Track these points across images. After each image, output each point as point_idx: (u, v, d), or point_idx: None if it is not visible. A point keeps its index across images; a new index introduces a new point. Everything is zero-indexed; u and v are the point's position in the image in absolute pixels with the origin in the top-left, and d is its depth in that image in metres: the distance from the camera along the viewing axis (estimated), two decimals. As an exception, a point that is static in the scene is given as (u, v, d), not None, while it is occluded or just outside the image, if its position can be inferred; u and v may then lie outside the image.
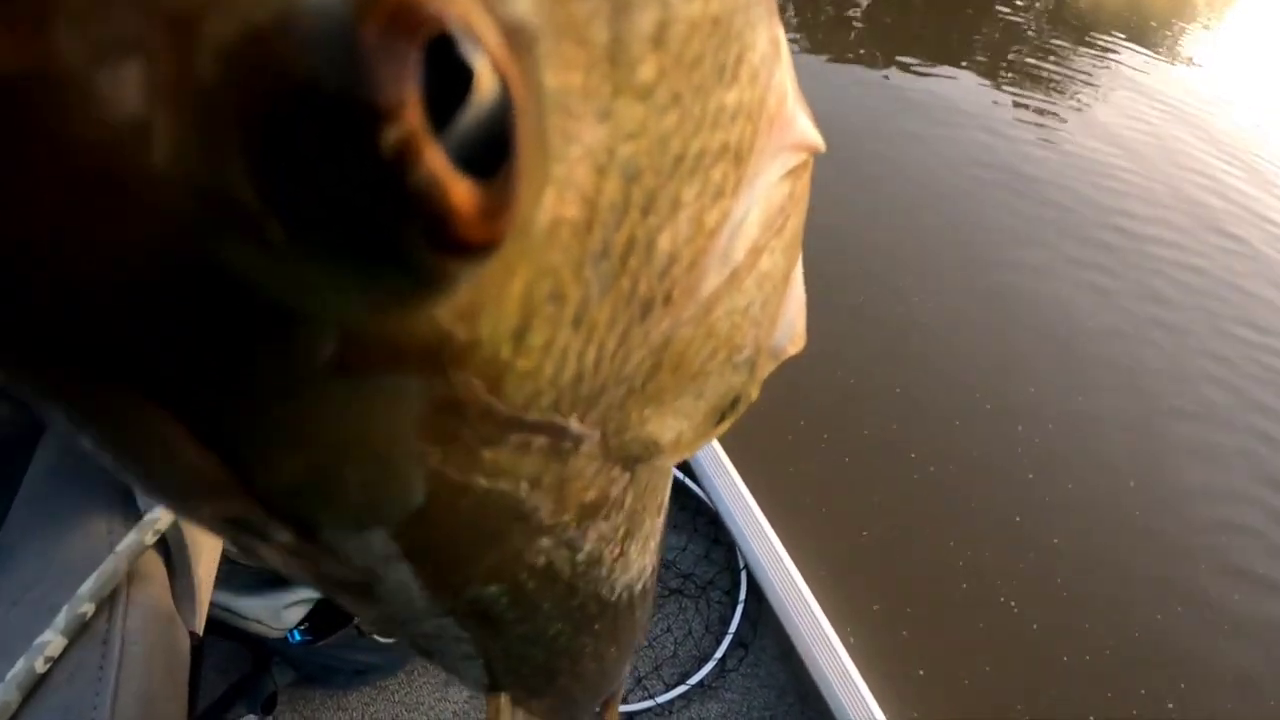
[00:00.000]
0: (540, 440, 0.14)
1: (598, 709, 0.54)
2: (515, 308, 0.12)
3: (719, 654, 1.22)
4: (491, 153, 0.08)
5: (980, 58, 3.85)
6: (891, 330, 2.06)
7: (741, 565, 1.27)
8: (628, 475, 0.19)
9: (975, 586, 1.52)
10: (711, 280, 0.16)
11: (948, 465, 1.72)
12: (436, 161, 0.08)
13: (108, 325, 0.09)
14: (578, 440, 0.15)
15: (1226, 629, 1.55)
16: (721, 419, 0.20)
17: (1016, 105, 3.38)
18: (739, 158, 0.15)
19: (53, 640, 0.48)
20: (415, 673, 1.16)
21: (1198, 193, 2.98)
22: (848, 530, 1.56)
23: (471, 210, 0.08)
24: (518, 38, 0.09)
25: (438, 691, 1.15)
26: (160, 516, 0.51)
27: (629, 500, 0.20)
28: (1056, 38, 4.25)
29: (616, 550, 0.22)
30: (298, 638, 0.92)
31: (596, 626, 0.26)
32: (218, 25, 0.07)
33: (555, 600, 0.22)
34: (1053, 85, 3.67)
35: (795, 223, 0.19)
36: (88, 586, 0.50)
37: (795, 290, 0.21)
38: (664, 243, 0.14)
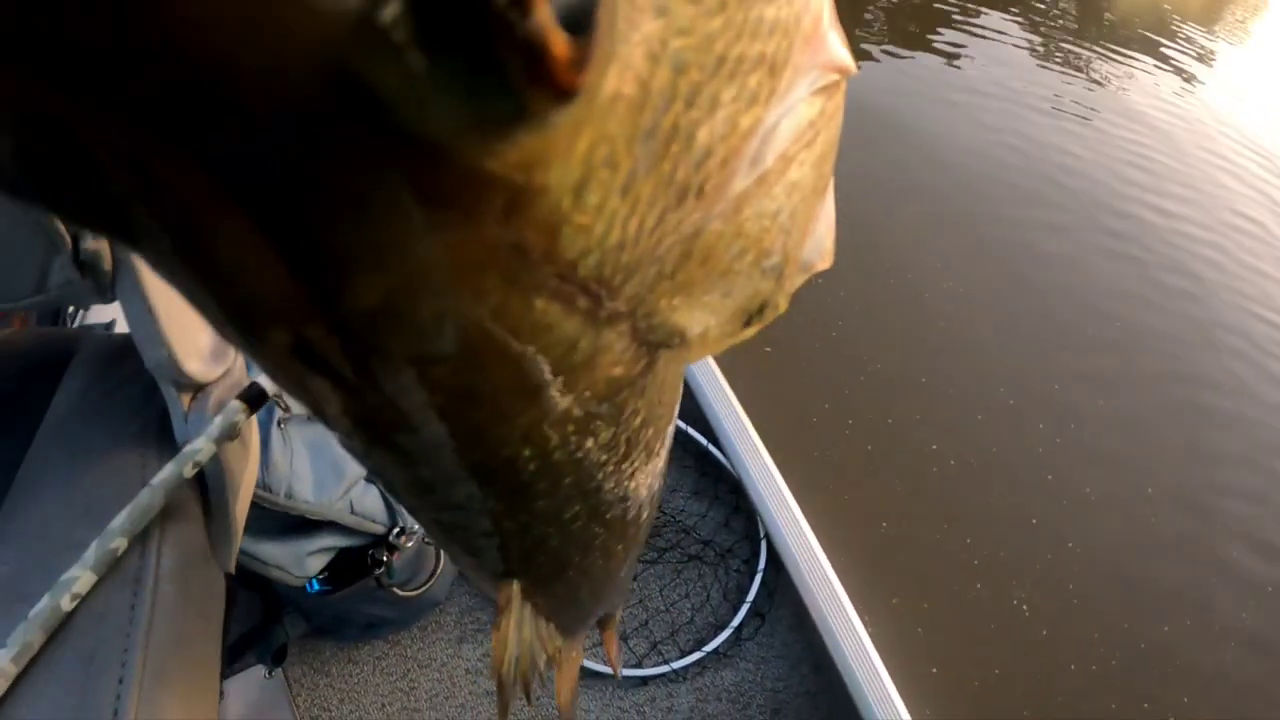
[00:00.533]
0: (584, 302, 0.16)
1: (596, 624, 0.55)
2: (579, 164, 0.13)
3: (735, 622, 1.20)
4: (582, 17, 0.10)
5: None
6: (918, 317, 2.04)
7: (762, 534, 1.25)
8: (649, 362, 0.20)
9: (989, 587, 1.51)
10: (741, 180, 0.17)
11: (968, 460, 1.70)
12: (544, 13, 0.09)
13: (240, 114, 0.10)
14: (613, 312, 0.17)
15: (1233, 644, 1.55)
16: (749, 323, 0.21)
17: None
18: (774, 69, 0.16)
19: (81, 576, 0.45)
20: (428, 628, 1.14)
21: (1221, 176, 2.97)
22: (866, 520, 1.55)
23: (564, 56, 0.10)
24: None
25: (450, 648, 1.13)
26: (200, 447, 0.48)
27: (649, 390, 0.21)
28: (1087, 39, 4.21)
29: (633, 438, 0.23)
30: (316, 587, 0.89)
31: (608, 515, 0.28)
32: None
33: (576, 477, 0.23)
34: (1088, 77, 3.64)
35: (825, 139, 0.20)
36: (120, 521, 0.46)
37: (826, 210, 0.22)
38: (702, 136, 0.15)
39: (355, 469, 0.85)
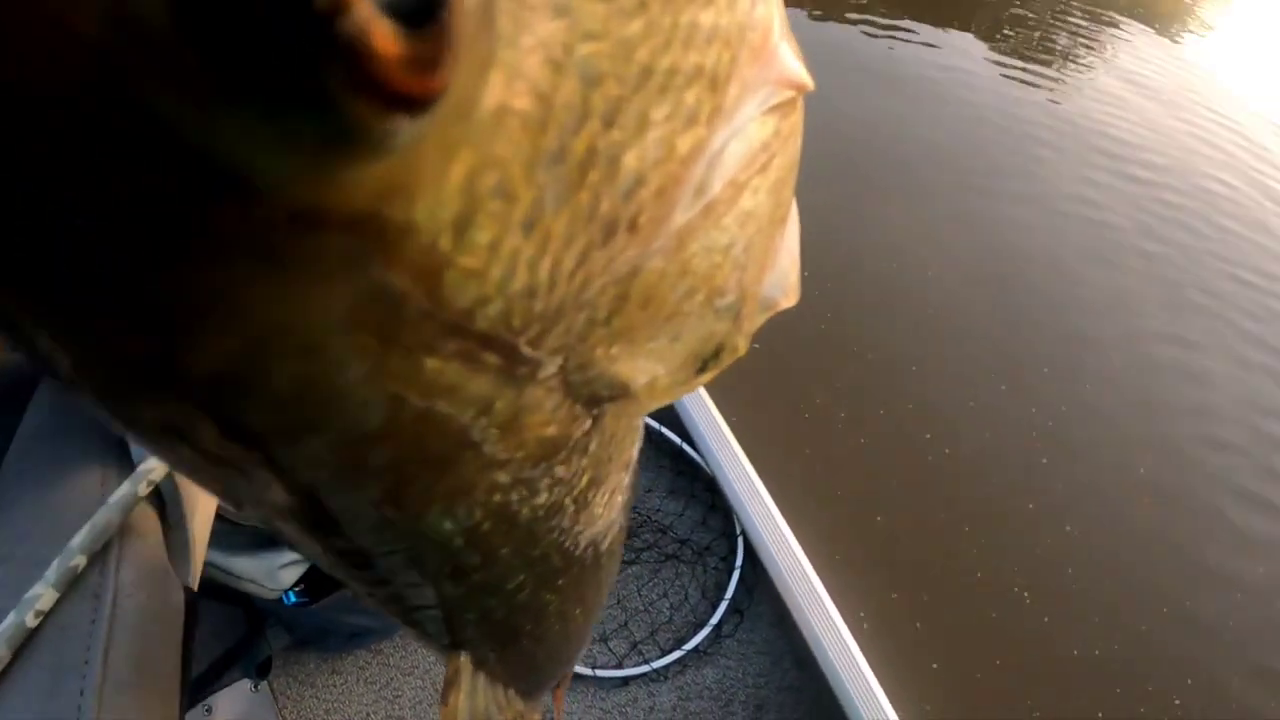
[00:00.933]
0: (491, 358, 0.14)
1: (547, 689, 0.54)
2: (456, 194, 0.11)
3: (715, 620, 1.22)
4: (425, 11, 0.08)
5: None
6: (909, 306, 2.05)
7: (738, 531, 1.27)
8: (592, 418, 0.18)
9: (989, 575, 1.52)
10: (683, 211, 0.16)
11: (961, 447, 1.72)
12: (362, 3, 0.07)
13: (11, 175, 0.09)
14: (534, 366, 0.15)
15: (1231, 624, 1.55)
16: (704, 369, 0.19)
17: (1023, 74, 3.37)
18: (714, 84, 0.15)
19: (44, 594, 0.47)
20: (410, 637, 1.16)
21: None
22: (860, 515, 1.56)
23: (397, 56, 0.08)
24: None
25: (433, 656, 1.15)
26: (154, 467, 0.50)
27: (594, 446, 0.19)
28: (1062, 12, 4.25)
29: (580, 499, 0.21)
30: (293, 599, 0.90)
31: (560, 582, 0.25)
32: None
33: (514, 546, 0.21)
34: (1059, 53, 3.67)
35: (782, 162, 0.18)
36: (79, 539, 0.48)
37: (789, 240, 0.20)
38: (630, 161, 0.13)
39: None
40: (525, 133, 0.12)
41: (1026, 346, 2.04)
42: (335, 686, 1.11)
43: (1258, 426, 1.98)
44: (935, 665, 1.39)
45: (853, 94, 2.83)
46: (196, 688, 1.02)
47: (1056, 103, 3.25)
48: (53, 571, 0.47)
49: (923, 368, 1.88)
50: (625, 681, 1.16)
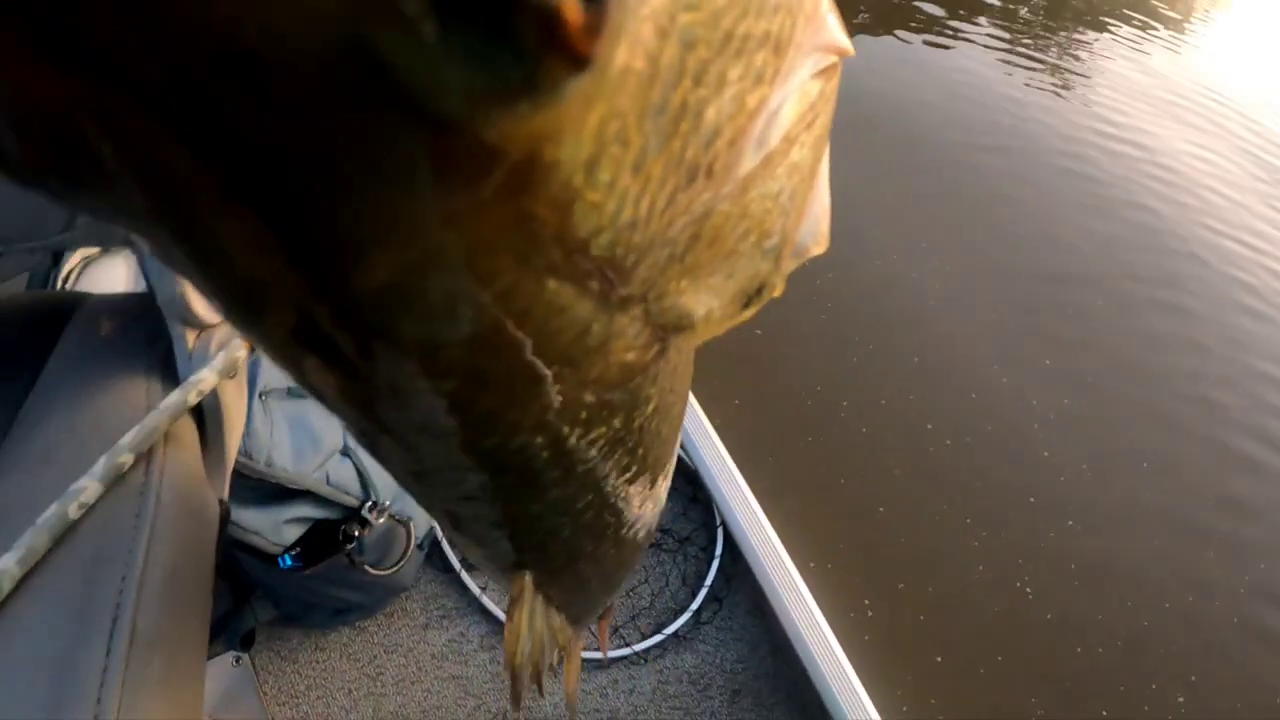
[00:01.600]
0: (595, 284, 0.16)
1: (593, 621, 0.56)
2: (591, 139, 0.13)
3: (694, 606, 1.25)
4: None
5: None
6: (907, 295, 2.06)
7: (718, 522, 1.31)
8: (659, 348, 0.20)
9: (990, 570, 1.52)
10: (748, 161, 0.17)
11: (963, 438, 1.72)
12: None
13: (248, 86, 0.10)
14: (625, 295, 0.17)
15: (1235, 619, 1.56)
16: (748, 304, 0.21)
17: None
18: (778, 48, 0.16)
19: (89, 486, 0.49)
20: (395, 614, 1.17)
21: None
22: (860, 510, 1.57)
23: (577, 22, 0.10)
24: None
25: (416, 634, 1.16)
26: (204, 377, 0.53)
27: (661, 376, 0.22)
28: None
29: (646, 425, 0.23)
30: (289, 563, 0.92)
31: (621, 505, 0.28)
32: None
33: (589, 465, 0.23)
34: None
35: (824, 121, 0.20)
36: (129, 438, 0.51)
37: (821, 193, 0.22)
38: (710, 114, 0.15)
39: (332, 442, 0.89)
40: (640, 88, 0.13)
41: (1027, 337, 2.05)
42: (318, 663, 1.12)
43: (1264, 425, 2.00)
44: (939, 659, 1.40)
45: (852, 74, 2.94)
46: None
47: (1061, 94, 3.35)
48: (100, 466, 0.50)
49: (924, 360, 1.88)
50: (606, 663, 1.18)
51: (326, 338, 0.15)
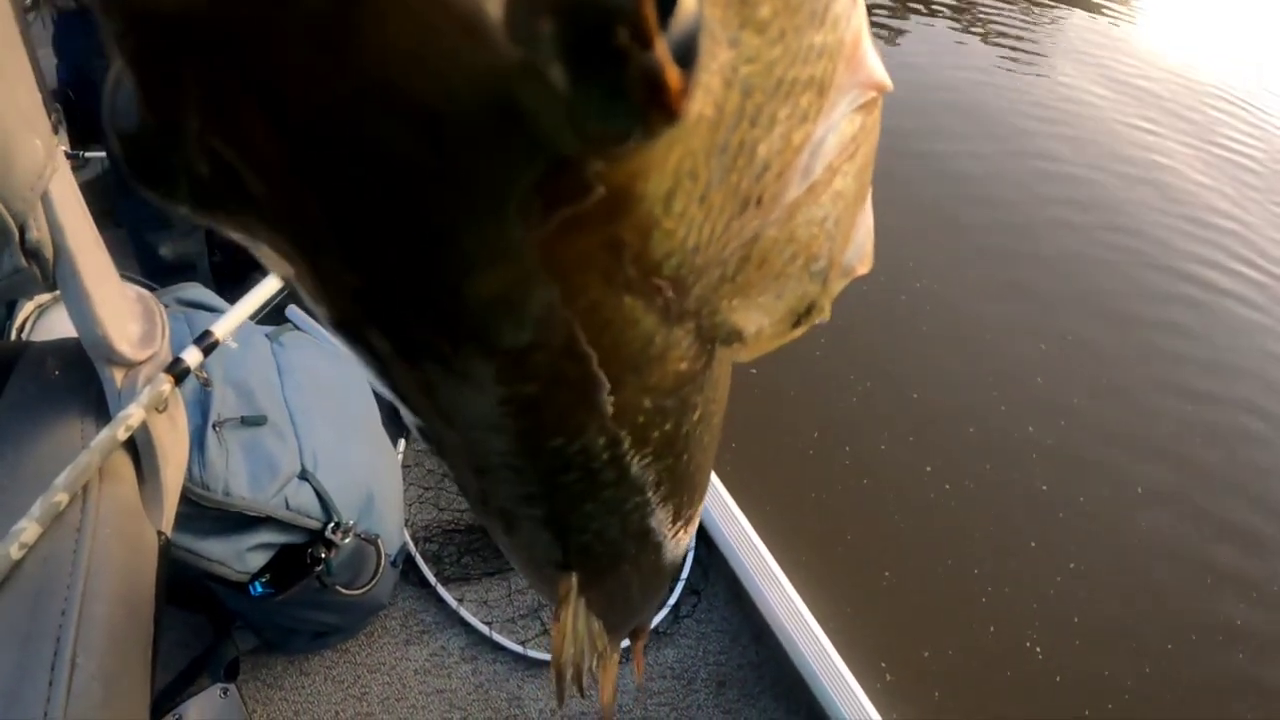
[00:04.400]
0: (661, 300, 0.18)
1: (629, 634, 0.58)
2: (670, 175, 0.15)
3: (672, 601, 1.27)
4: (683, 50, 0.12)
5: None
6: (905, 318, 2.07)
7: (691, 516, 1.33)
8: (708, 360, 0.22)
9: (1002, 629, 1.52)
10: (794, 190, 0.19)
11: (964, 482, 1.72)
12: (662, 50, 0.12)
13: (414, 129, 0.12)
14: (683, 310, 0.19)
15: (1241, 658, 1.55)
16: (798, 324, 0.23)
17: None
18: (822, 89, 0.18)
19: (27, 527, 0.51)
20: (375, 634, 1.18)
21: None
22: (865, 567, 1.55)
23: (676, 85, 0.12)
24: None
25: (398, 650, 1.18)
26: (131, 413, 0.55)
27: (706, 386, 0.24)
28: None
29: (692, 431, 0.25)
30: (260, 590, 0.93)
31: (664, 508, 0.30)
32: None
33: (641, 467, 0.25)
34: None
35: (865, 151, 0.22)
36: (62, 478, 0.52)
37: (865, 217, 0.24)
38: (762, 150, 0.17)
39: (290, 467, 0.91)
40: (708, 131, 0.15)
41: (1020, 358, 2.05)
42: (304, 688, 1.13)
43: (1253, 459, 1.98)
44: (937, 694, 1.40)
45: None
46: (165, 697, 1.03)
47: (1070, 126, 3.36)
48: (37, 507, 0.51)
49: (924, 392, 1.88)
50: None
51: (426, 342, 0.17)
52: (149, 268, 1.37)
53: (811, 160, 0.19)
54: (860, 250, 0.24)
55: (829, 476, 1.67)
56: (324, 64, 0.11)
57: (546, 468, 0.23)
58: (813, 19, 0.17)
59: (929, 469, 1.74)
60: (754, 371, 1.77)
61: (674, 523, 0.32)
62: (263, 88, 0.12)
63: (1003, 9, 4.42)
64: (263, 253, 0.16)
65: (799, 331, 0.23)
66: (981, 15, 4.29)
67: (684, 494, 0.30)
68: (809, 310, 0.23)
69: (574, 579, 0.32)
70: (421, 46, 0.11)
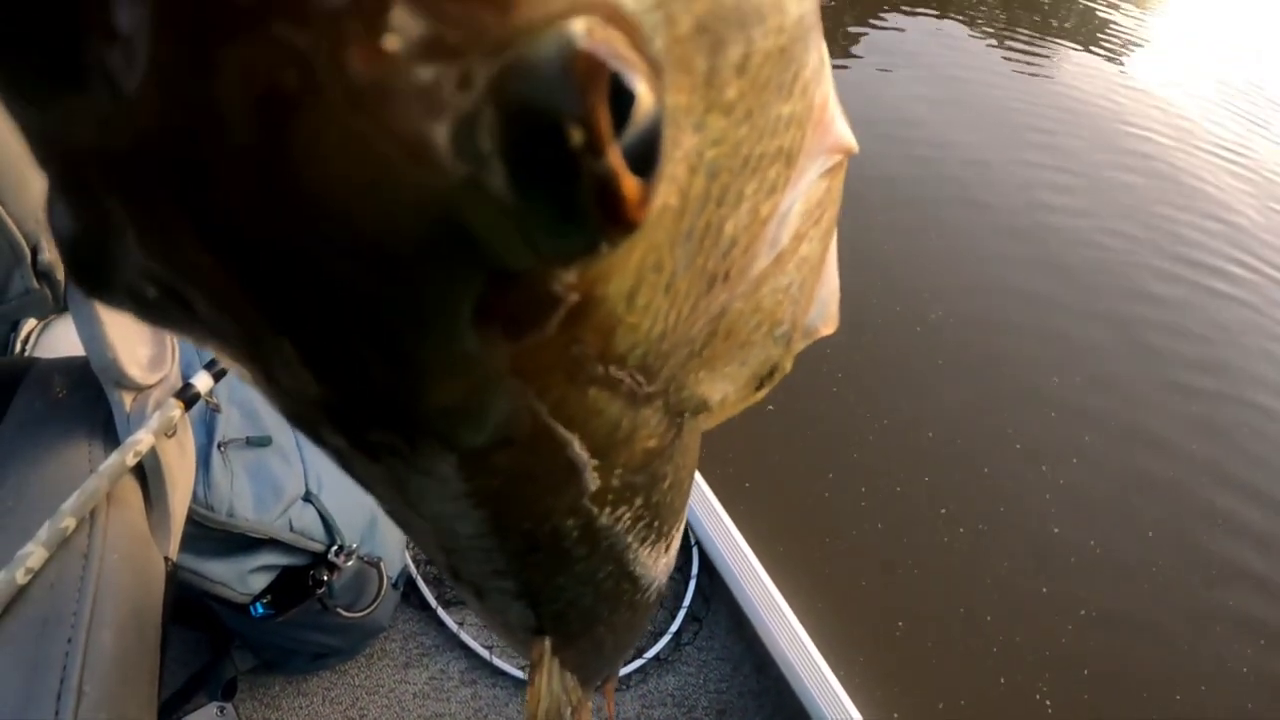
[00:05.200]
0: (626, 387, 0.18)
1: (599, 683, 0.58)
2: (631, 274, 0.15)
3: (673, 628, 1.26)
4: (644, 155, 0.11)
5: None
6: (916, 351, 2.05)
7: (693, 541, 1.32)
8: (675, 431, 0.22)
9: (1013, 679, 1.50)
10: (761, 261, 0.19)
11: (978, 525, 1.70)
12: (616, 158, 0.11)
13: (356, 250, 0.11)
14: (650, 392, 0.19)
15: (1251, 708, 1.53)
16: (760, 386, 0.23)
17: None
18: (790, 159, 0.18)
19: (34, 552, 0.51)
20: (374, 656, 1.18)
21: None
22: (885, 620, 1.53)
23: (635, 198, 0.11)
24: (655, 69, 0.12)
25: (397, 674, 1.17)
26: (141, 438, 0.55)
27: (675, 455, 0.24)
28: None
29: (663, 498, 0.25)
30: (260, 611, 0.93)
31: (637, 571, 0.30)
32: (488, 70, 0.10)
33: (613, 539, 0.25)
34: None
35: (831, 214, 0.21)
36: (70, 503, 0.52)
37: (829, 277, 0.24)
38: (729, 228, 0.17)
39: (294, 489, 0.91)
40: (672, 221, 0.15)
41: (1035, 392, 2.02)
42: (302, 709, 1.12)
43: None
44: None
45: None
46: (163, 714, 1.02)
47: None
48: (44, 532, 0.51)
49: (940, 430, 1.86)
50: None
51: (385, 443, 0.16)
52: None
53: (779, 230, 0.19)
54: (824, 311, 0.24)
55: (843, 520, 1.65)
56: (258, 196, 0.10)
57: (515, 549, 0.23)
58: (780, 90, 0.16)
59: (944, 511, 1.72)
60: (770, 408, 1.76)
61: (648, 582, 0.32)
62: (198, 220, 0.11)
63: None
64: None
65: (761, 394, 0.23)
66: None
67: (656, 557, 0.30)
68: (771, 373, 0.23)
69: (547, 643, 0.32)
70: (359, 171, 0.10)
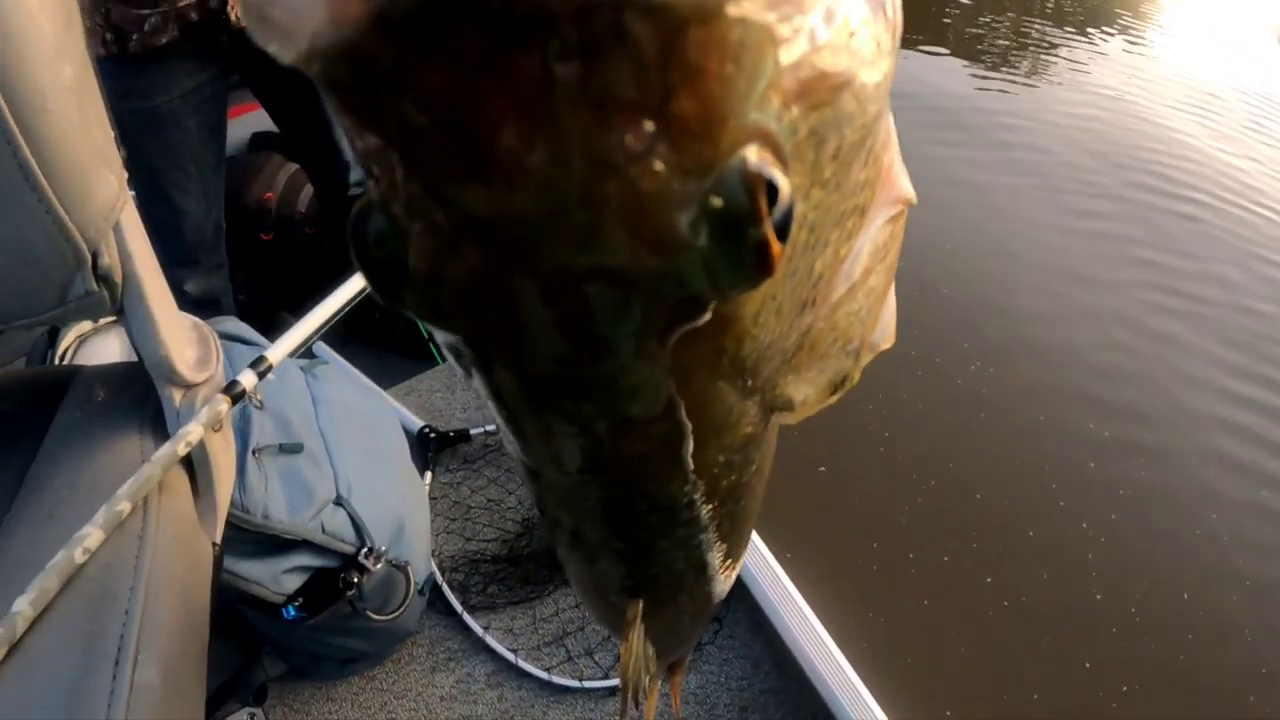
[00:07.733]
0: (742, 383, 0.23)
1: (668, 669, 0.63)
2: (760, 300, 0.21)
3: (695, 628, 1.27)
4: (782, 225, 0.17)
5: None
6: (970, 414, 2.02)
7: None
8: (765, 422, 0.28)
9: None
10: (839, 290, 0.24)
11: (1021, 597, 1.65)
12: (769, 231, 0.16)
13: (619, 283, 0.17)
14: (755, 388, 0.24)
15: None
16: (835, 391, 0.28)
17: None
18: (863, 211, 0.23)
19: (92, 533, 0.54)
20: (401, 661, 1.20)
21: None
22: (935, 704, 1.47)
23: (779, 254, 0.17)
24: (787, 166, 0.18)
25: (424, 677, 1.19)
26: (191, 430, 0.59)
27: (762, 444, 0.30)
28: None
29: (751, 480, 0.31)
30: (292, 614, 0.96)
31: (722, 545, 0.35)
32: (704, 181, 0.16)
33: (711, 507, 0.30)
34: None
35: (894, 253, 0.26)
36: (126, 488, 0.56)
37: (889, 302, 0.29)
38: (818, 266, 0.22)
39: (325, 493, 0.94)
40: (786, 262, 0.20)
41: (1077, 439, 1.98)
42: (331, 714, 1.14)
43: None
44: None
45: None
46: None
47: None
48: (100, 515, 0.55)
49: (987, 490, 1.82)
50: (613, 691, 1.20)
51: (575, 411, 0.22)
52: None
53: (852, 266, 0.24)
54: (885, 329, 0.29)
55: (892, 594, 1.61)
56: (577, 256, 0.17)
57: (639, 508, 0.29)
58: (858, 163, 0.21)
59: (989, 580, 1.69)
60: (823, 469, 1.78)
61: (725, 559, 0.38)
62: (528, 266, 0.17)
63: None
64: (452, 346, 0.22)
65: (837, 397, 0.29)
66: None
67: (737, 534, 0.36)
68: (844, 381, 0.28)
69: (640, 604, 0.37)
70: (634, 244, 0.16)
